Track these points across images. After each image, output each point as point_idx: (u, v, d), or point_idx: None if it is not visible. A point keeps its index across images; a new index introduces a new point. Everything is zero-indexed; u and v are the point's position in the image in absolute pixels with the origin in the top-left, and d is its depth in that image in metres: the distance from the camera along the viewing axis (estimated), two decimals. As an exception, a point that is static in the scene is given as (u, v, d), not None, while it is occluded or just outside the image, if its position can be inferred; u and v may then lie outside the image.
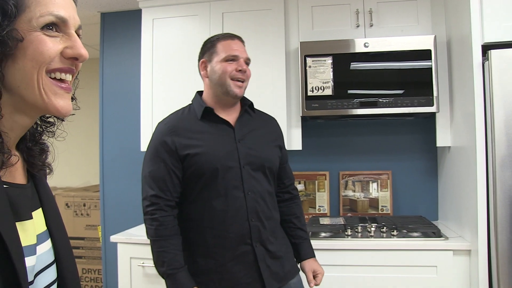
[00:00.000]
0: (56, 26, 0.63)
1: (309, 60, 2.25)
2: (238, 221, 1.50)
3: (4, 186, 0.61)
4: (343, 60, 2.23)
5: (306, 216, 2.53)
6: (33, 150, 0.72)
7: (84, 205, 3.50)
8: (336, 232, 2.12)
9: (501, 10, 1.79)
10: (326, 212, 2.58)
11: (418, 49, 2.16)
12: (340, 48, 2.23)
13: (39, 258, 0.66)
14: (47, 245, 0.70)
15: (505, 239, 1.71)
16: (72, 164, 3.59)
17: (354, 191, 2.58)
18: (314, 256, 1.70)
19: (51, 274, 0.70)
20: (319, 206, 2.60)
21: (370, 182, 2.57)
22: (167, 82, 2.43)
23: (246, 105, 1.64)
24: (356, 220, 2.35)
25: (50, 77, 0.63)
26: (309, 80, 2.24)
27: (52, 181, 0.77)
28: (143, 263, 2.12)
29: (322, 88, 2.23)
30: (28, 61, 0.60)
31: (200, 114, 1.56)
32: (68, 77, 0.66)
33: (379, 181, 2.56)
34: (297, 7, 2.37)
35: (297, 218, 1.72)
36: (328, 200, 2.60)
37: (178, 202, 1.54)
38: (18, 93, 0.62)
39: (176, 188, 1.51)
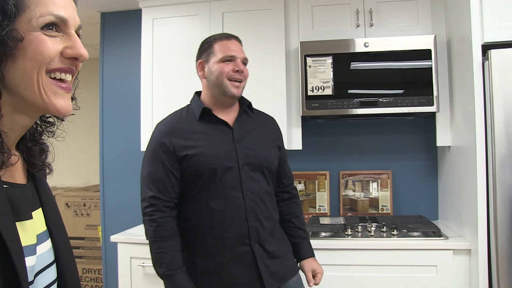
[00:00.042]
0: (56, 26, 0.63)
1: (309, 59, 2.25)
2: (237, 222, 1.50)
3: (4, 186, 0.61)
4: (343, 60, 2.23)
5: (306, 216, 2.54)
6: (33, 150, 0.72)
7: (84, 205, 3.51)
8: (336, 232, 2.12)
9: (501, 10, 1.79)
10: (326, 211, 2.58)
11: (418, 49, 2.16)
12: (340, 48, 2.23)
13: (39, 258, 0.66)
14: (47, 245, 0.70)
15: (505, 238, 1.71)
16: (72, 164, 3.59)
17: (354, 190, 2.58)
18: (313, 255, 1.70)
19: (51, 274, 0.70)
20: (319, 206, 2.60)
21: (370, 181, 2.57)
22: (167, 82, 2.43)
23: (245, 105, 1.64)
24: (356, 219, 2.35)
25: (50, 77, 0.64)
26: (309, 80, 2.24)
27: (52, 181, 0.77)
28: (143, 263, 2.12)
29: (322, 87, 2.23)
30: (28, 61, 0.60)
31: (198, 114, 1.56)
32: (68, 77, 0.66)
33: (379, 180, 2.56)
34: (297, 6, 2.37)
35: (296, 217, 1.72)
36: (328, 199, 2.60)
37: (177, 203, 1.54)
38: (18, 93, 0.62)
39: (174, 189, 1.51)
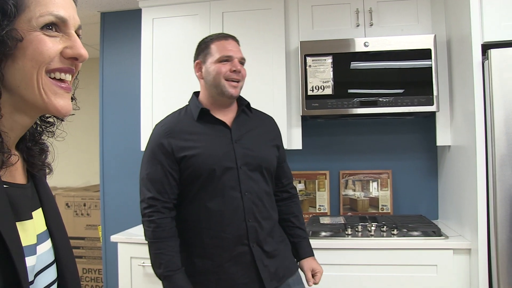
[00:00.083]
0: (56, 26, 0.63)
1: (309, 59, 2.25)
2: (235, 222, 1.50)
3: (4, 186, 0.61)
4: (343, 60, 2.23)
5: (306, 216, 2.54)
6: (33, 150, 0.72)
7: (84, 205, 3.51)
8: (337, 231, 2.12)
9: (501, 9, 1.79)
10: (326, 211, 2.58)
11: (418, 48, 2.16)
12: (340, 48, 2.23)
13: (39, 258, 0.66)
14: (47, 245, 0.70)
15: (505, 238, 1.72)
16: (72, 164, 3.59)
17: (354, 190, 2.58)
18: (313, 255, 1.70)
19: (51, 274, 0.70)
20: (319, 206, 2.60)
21: (370, 181, 2.57)
22: (167, 81, 2.43)
23: (243, 105, 1.64)
24: (356, 219, 2.35)
25: (50, 77, 0.64)
26: (309, 80, 2.24)
27: (52, 181, 0.77)
28: (143, 263, 2.12)
29: (322, 87, 2.23)
30: (28, 61, 0.60)
31: (196, 115, 1.56)
32: (68, 77, 0.66)
33: (379, 180, 2.56)
34: (297, 6, 2.37)
35: (295, 217, 1.72)
36: (328, 199, 2.60)
37: (176, 203, 1.54)
38: (18, 93, 0.62)
39: (173, 190, 1.51)
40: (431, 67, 2.14)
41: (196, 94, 1.65)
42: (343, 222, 2.26)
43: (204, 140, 1.53)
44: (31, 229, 0.66)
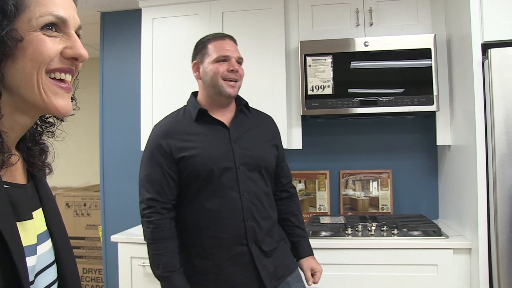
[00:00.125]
0: (56, 26, 0.63)
1: (309, 59, 2.25)
2: (234, 222, 1.50)
3: (5, 186, 0.61)
4: (343, 59, 2.23)
5: (306, 215, 2.54)
6: (33, 150, 0.72)
7: (85, 204, 3.51)
8: (337, 231, 2.12)
9: (501, 9, 1.79)
10: (326, 211, 2.58)
11: (418, 48, 2.16)
12: (340, 47, 2.23)
13: (39, 258, 0.66)
14: (48, 245, 0.70)
15: (505, 237, 1.71)
16: (73, 163, 3.59)
17: (354, 190, 2.58)
18: (312, 254, 1.70)
19: (52, 274, 0.70)
20: (320, 205, 2.60)
21: (371, 181, 2.57)
22: (167, 81, 2.43)
23: (241, 105, 1.63)
24: (357, 219, 2.35)
25: (50, 77, 0.64)
26: (309, 79, 2.24)
27: (52, 181, 0.77)
28: (143, 263, 2.12)
29: (322, 87, 2.23)
30: (28, 61, 0.60)
31: (194, 115, 1.56)
32: (68, 77, 0.66)
33: (379, 180, 2.56)
34: (297, 6, 2.37)
35: (295, 216, 1.72)
36: (329, 199, 2.60)
37: (175, 204, 1.54)
38: (18, 93, 0.62)
39: (172, 190, 1.51)
40: (431, 67, 2.14)
41: (195, 94, 1.65)
42: (343, 221, 2.26)
43: (203, 140, 1.53)
44: (32, 229, 0.66)
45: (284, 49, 2.34)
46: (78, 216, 3.50)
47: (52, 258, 0.70)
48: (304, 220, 2.34)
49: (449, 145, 2.25)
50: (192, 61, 1.63)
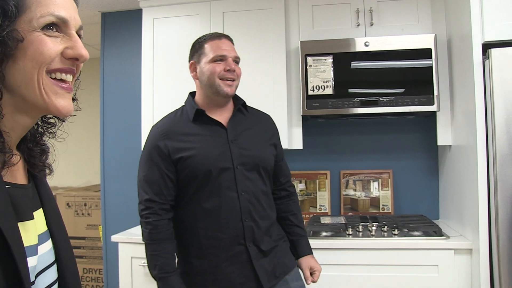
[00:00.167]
0: (56, 26, 0.63)
1: (309, 59, 2.25)
2: (232, 222, 1.50)
3: (6, 186, 0.61)
4: (343, 59, 2.23)
5: (307, 216, 2.54)
6: (34, 151, 0.72)
7: (85, 204, 3.51)
8: (337, 231, 2.12)
9: (501, 9, 1.79)
10: (327, 211, 2.58)
11: (418, 48, 2.16)
12: (341, 47, 2.23)
13: (40, 258, 0.66)
14: (48, 245, 0.70)
15: (506, 238, 1.71)
16: (73, 163, 3.60)
17: (355, 190, 2.58)
18: (311, 253, 1.70)
19: (52, 274, 0.70)
20: (320, 205, 2.60)
21: (371, 181, 2.57)
22: (167, 81, 2.43)
23: (239, 104, 1.63)
24: (357, 219, 2.35)
25: (51, 78, 0.64)
26: (309, 79, 2.24)
27: (53, 180, 0.77)
28: (144, 263, 2.11)
29: (323, 87, 2.23)
30: (29, 61, 0.60)
31: (192, 116, 1.56)
32: (69, 78, 0.66)
33: (380, 180, 2.56)
34: (298, 6, 2.37)
35: (294, 215, 1.72)
36: (329, 199, 2.60)
37: (173, 205, 1.55)
38: (18, 93, 0.62)
39: (170, 191, 1.52)
40: (432, 67, 2.14)
41: (192, 94, 1.65)
42: (343, 222, 2.26)
43: (200, 141, 1.53)
44: (32, 229, 0.66)
45: (285, 49, 2.34)
46: (79, 216, 3.51)
47: (52, 258, 0.70)
48: (305, 221, 2.34)
49: (450, 145, 2.25)
50: (189, 61, 1.63)
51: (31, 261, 0.63)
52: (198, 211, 1.51)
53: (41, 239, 0.68)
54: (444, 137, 2.24)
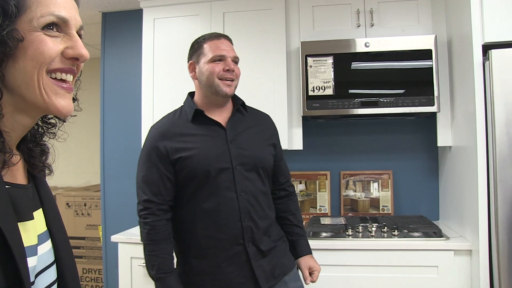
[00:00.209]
0: (57, 26, 0.63)
1: (310, 59, 2.25)
2: (231, 222, 1.50)
3: (6, 186, 0.61)
4: (344, 60, 2.23)
5: (307, 216, 2.54)
6: (34, 151, 0.72)
7: (85, 204, 3.51)
8: (337, 232, 2.12)
9: (502, 10, 1.79)
10: (327, 212, 2.58)
11: (418, 49, 2.16)
12: (341, 48, 2.23)
13: (40, 258, 0.66)
14: (48, 245, 0.70)
15: (506, 239, 1.71)
16: (73, 163, 3.60)
17: (355, 191, 2.58)
18: (310, 253, 1.70)
19: (52, 274, 0.70)
20: (320, 206, 2.60)
21: (371, 182, 2.57)
22: (168, 81, 2.43)
23: (238, 104, 1.63)
24: (357, 220, 2.35)
25: (51, 77, 0.63)
26: (310, 80, 2.24)
27: (53, 180, 0.77)
28: (143, 263, 2.11)
29: (323, 87, 2.23)
30: (29, 61, 0.60)
31: (190, 116, 1.56)
32: (69, 77, 0.66)
33: (380, 181, 2.56)
34: (298, 7, 2.37)
35: (293, 215, 1.72)
36: (329, 200, 2.60)
37: (172, 205, 1.55)
38: (19, 93, 0.62)
39: (169, 192, 1.52)
40: (432, 68, 2.14)
41: (191, 94, 1.65)
42: (343, 222, 2.26)
43: (199, 141, 1.53)
44: (32, 229, 0.66)
45: (285, 49, 2.34)
46: (78, 216, 3.51)
47: (52, 258, 0.70)
48: (305, 221, 2.34)
49: (450, 146, 2.25)
50: (188, 61, 1.63)
51: (31, 261, 0.62)
52: (197, 211, 1.51)
53: (41, 239, 0.68)
54: (444, 138, 2.24)
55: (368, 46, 2.21)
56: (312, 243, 1.77)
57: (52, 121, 0.75)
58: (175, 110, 1.64)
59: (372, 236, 2.06)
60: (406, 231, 2.07)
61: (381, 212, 2.53)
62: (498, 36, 1.79)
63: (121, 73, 2.88)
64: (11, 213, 0.59)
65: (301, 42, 2.28)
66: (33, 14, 0.61)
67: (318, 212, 2.59)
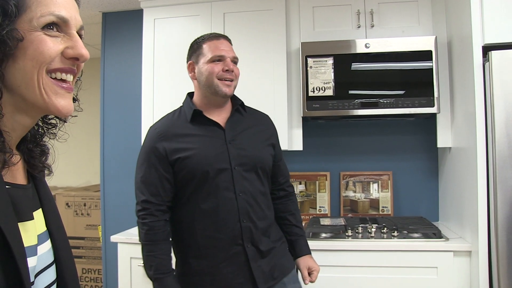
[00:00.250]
0: (57, 26, 0.63)
1: (310, 60, 2.25)
2: (230, 223, 1.50)
3: (6, 186, 0.61)
4: (344, 61, 2.23)
5: (306, 217, 2.54)
6: (34, 152, 0.72)
7: (85, 204, 3.51)
8: (337, 233, 2.12)
9: (502, 11, 1.79)
10: (326, 212, 2.58)
11: (419, 50, 2.16)
12: (341, 49, 2.23)
13: (39, 258, 0.66)
14: (47, 245, 0.70)
15: (506, 240, 1.71)
16: (73, 163, 3.60)
17: (354, 191, 2.58)
18: (309, 253, 1.70)
19: (51, 274, 0.70)
20: (320, 207, 2.60)
21: (371, 182, 2.57)
22: (168, 82, 2.43)
23: (237, 104, 1.63)
24: (357, 220, 2.35)
25: (51, 77, 0.63)
26: (310, 81, 2.24)
27: (52, 180, 0.77)
28: (143, 263, 2.11)
29: (323, 88, 2.23)
30: (28, 61, 0.60)
31: (189, 116, 1.56)
32: (69, 77, 0.66)
33: (379, 181, 2.56)
34: (298, 7, 2.37)
35: (292, 215, 1.72)
36: (329, 200, 2.60)
37: (170, 206, 1.55)
38: (18, 92, 0.62)
39: (167, 192, 1.52)
40: (432, 69, 2.14)
41: (190, 95, 1.65)
42: (343, 223, 2.26)
43: (198, 141, 1.53)
44: (32, 229, 0.66)
45: (285, 50, 2.34)
46: (78, 216, 3.50)
47: (51, 258, 0.70)
48: (304, 222, 2.34)
49: (450, 147, 2.25)
50: (187, 61, 1.63)
51: (31, 262, 0.62)
52: (196, 212, 1.51)
53: (41, 239, 0.68)
54: (444, 139, 2.24)
55: (368, 47, 2.21)
56: (312, 243, 1.77)
57: (53, 121, 0.75)
58: (174, 111, 1.64)
59: (372, 237, 2.06)
60: (405, 232, 2.07)
61: (380, 213, 2.53)
62: (498, 37, 1.79)
63: (121, 73, 2.88)
64: (12, 213, 0.59)
65: (302, 42, 2.28)
66: (33, 13, 0.60)
67: (317, 212, 2.59)
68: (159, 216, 1.50)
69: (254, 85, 2.30)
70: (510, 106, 1.73)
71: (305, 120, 2.41)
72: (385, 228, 2.10)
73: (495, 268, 1.73)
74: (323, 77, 2.23)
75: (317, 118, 2.40)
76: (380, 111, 2.19)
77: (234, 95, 1.62)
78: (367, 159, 2.60)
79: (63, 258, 0.72)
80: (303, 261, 1.67)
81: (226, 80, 1.54)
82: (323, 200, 2.60)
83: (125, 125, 2.83)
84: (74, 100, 0.70)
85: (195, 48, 1.60)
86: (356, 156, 2.61)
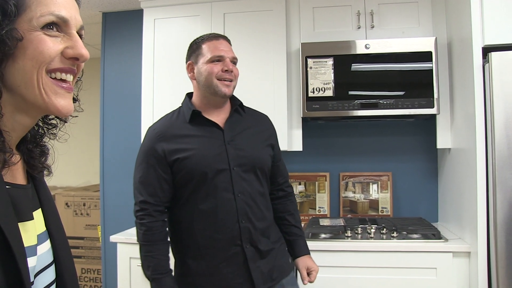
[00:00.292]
0: (57, 26, 0.63)
1: (310, 61, 2.25)
2: (228, 223, 1.50)
3: (6, 186, 0.61)
4: (344, 61, 2.23)
5: (306, 217, 2.54)
6: (34, 152, 0.72)
7: (84, 204, 3.51)
8: (336, 233, 2.12)
9: (502, 13, 1.79)
10: (326, 213, 2.58)
11: (419, 51, 2.16)
12: (341, 49, 2.23)
13: (39, 258, 0.66)
14: (47, 245, 0.70)
15: (505, 240, 1.71)
16: (73, 163, 3.59)
17: (354, 192, 2.58)
18: (308, 253, 1.70)
19: (50, 274, 0.70)
20: (319, 207, 2.60)
21: (371, 183, 2.57)
22: (168, 82, 2.43)
23: (236, 105, 1.63)
24: (356, 221, 2.35)
25: (51, 77, 0.63)
26: (310, 81, 2.24)
27: (52, 180, 0.77)
28: (141, 264, 2.11)
29: (323, 89, 2.23)
30: (28, 61, 0.60)
31: (188, 117, 1.56)
32: (69, 77, 0.66)
33: (379, 182, 2.56)
34: (299, 8, 2.37)
35: (291, 215, 1.72)
36: (328, 201, 2.60)
37: (169, 206, 1.55)
38: (18, 92, 0.62)
39: (165, 193, 1.52)
40: (432, 70, 2.14)
41: (189, 95, 1.65)
42: (342, 224, 2.26)
43: (196, 142, 1.53)
44: (32, 229, 0.66)
45: (285, 50, 2.34)
46: (78, 216, 3.50)
47: (50, 258, 0.70)
48: (304, 222, 2.34)
49: (449, 148, 2.25)
50: (186, 62, 1.63)
51: (31, 262, 0.62)
52: (195, 212, 1.51)
53: (40, 239, 0.68)
54: (443, 140, 2.24)
55: (368, 48, 2.21)
56: (311, 244, 1.77)
57: (53, 121, 0.75)
58: (173, 111, 1.64)
59: (371, 237, 2.06)
60: (405, 232, 2.07)
61: (380, 213, 2.53)
62: (498, 39, 1.79)
63: (121, 73, 2.88)
64: (12, 213, 0.59)
65: (302, 43, 2.28)
66: (33, 13, 0.60)
67: (317, 213, 2.59)
68: (157, 217, 1.50)
69: (254, 86, 2.30)
70: (510, 107, 1.73)
71: (305, 121, 2.41)
72: (385, 229, 2.11)
73: (494, 269, 1.73)
74: (323, 78, 2.23)
75: (317, 119, 2.40)
76: (380, 112, 2.19)
77: (233, 95, 1.62)
78: (366, 160, 2.60)
79: (62, 258, 0.72)
80: (302, 261, 1.67)
81: (225, 80, 1.54)
82: (322, 201, 2.60)
83: (125, 125, 2.83)
84: (75, 100, 0.70)
85: (194, 48, 1.60)
86: (356, 156, 2.62)
